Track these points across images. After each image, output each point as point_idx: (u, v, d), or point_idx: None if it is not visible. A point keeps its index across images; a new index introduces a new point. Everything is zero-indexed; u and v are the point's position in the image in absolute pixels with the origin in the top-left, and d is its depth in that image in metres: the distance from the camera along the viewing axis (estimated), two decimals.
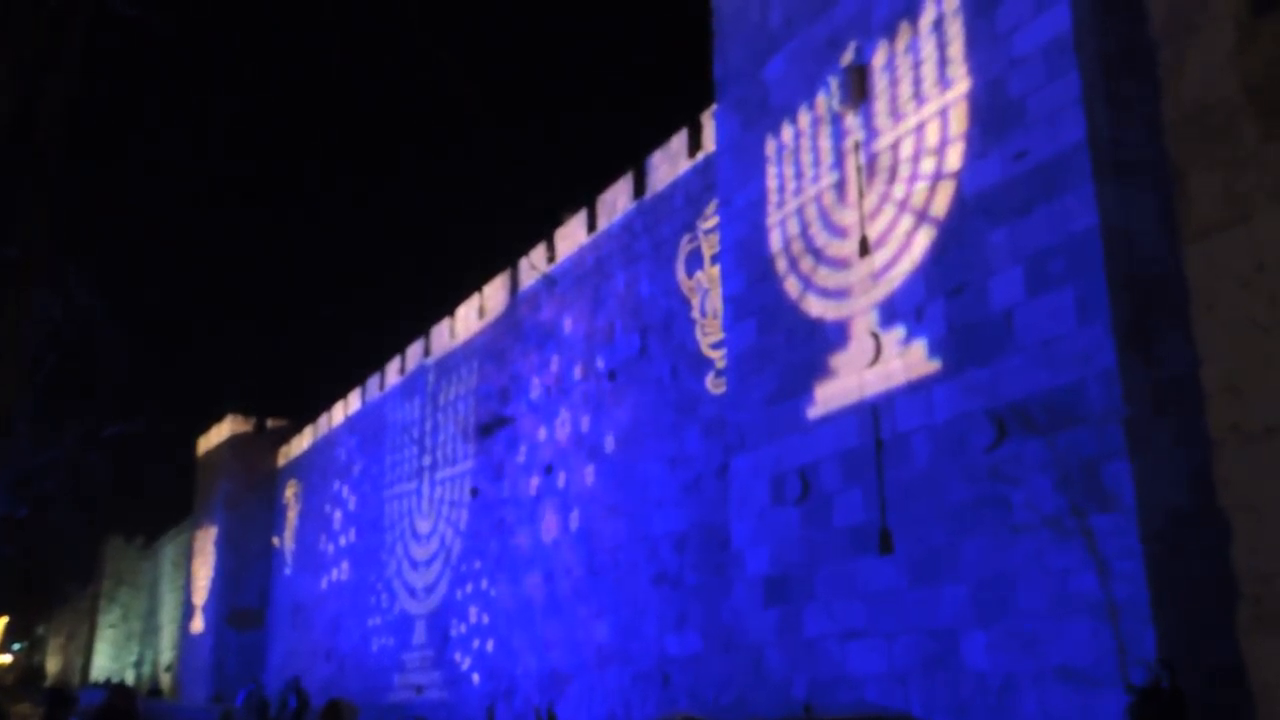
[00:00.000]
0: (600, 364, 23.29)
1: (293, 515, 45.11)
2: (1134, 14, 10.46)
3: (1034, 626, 10.16)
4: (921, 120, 12.36)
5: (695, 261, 20.43)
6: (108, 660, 72.46)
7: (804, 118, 14.36)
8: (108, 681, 44.45)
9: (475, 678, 26.82)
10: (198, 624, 49.90)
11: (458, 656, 28.04)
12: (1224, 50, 8.60)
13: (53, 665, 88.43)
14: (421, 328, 33.83)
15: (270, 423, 49.90)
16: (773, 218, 14.68)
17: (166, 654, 59.14)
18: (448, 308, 32.20)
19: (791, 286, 14.07)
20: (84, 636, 78.48)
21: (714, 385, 19.02)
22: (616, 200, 23.78)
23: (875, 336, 12.51)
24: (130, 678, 64.72)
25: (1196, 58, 9.02)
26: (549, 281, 26.02)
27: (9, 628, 78.72)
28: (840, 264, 13.27)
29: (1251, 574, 7.92)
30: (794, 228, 14.20)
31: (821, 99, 14.03)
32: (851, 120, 13.45)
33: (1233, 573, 8.62)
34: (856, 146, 13.28)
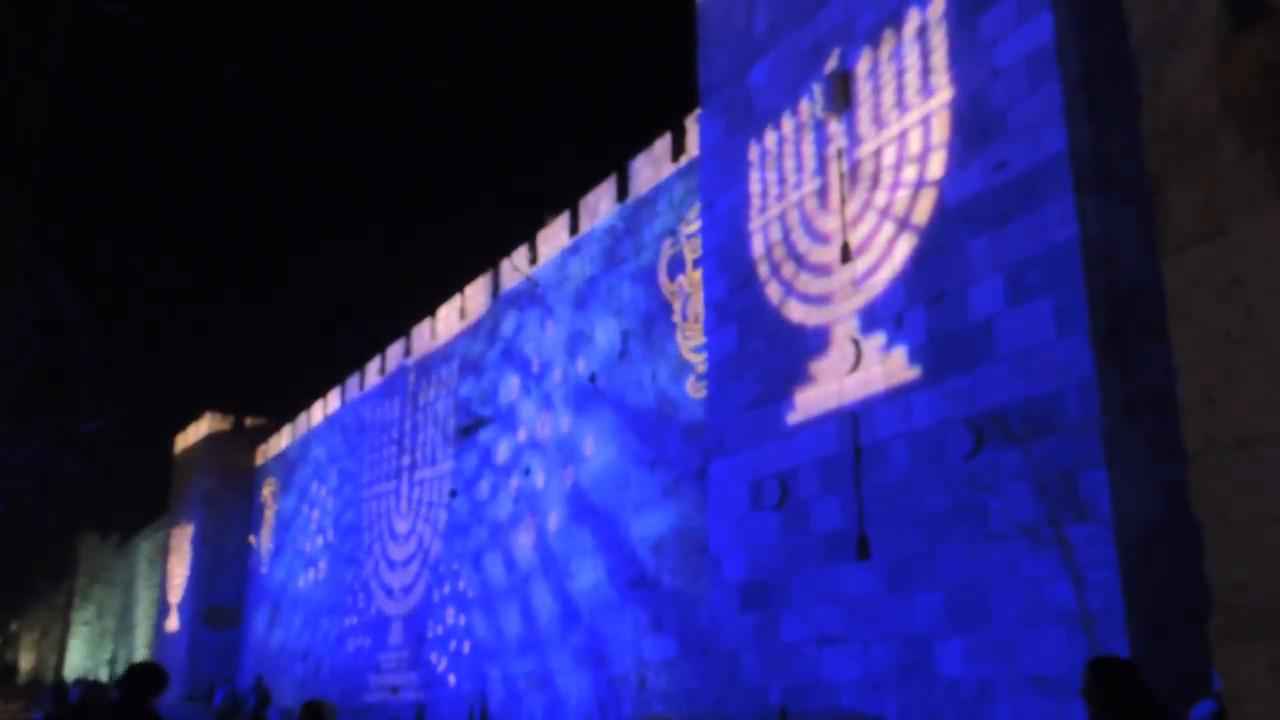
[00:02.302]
0: (581, 366, 23.28)
1: (270, 514, 44.89)
2: (1115, 26, 10.53)
3: (1009, 635, 10.20)
4: (904, 128, 12.40)
5: (677, 265, 20.45)
6: (81, 658, 71.90)
7: (788, 124, 14.39)
8: (79, 680, 44.10)
9: (451, 679, 26.73)
10: (173, 622, 49.58)
11: (434, 657, 27.95)
12: (1204, 64, 8.65)
13: (25, 662, 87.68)
14: (402, 328, 33.77)
15: (248, 421, 49.65)
16: (755, 223, 14.70)
17: (141, 652, 58.71)
18: (429, 308, 32.14)
19: (773, 292, 14.10)
20: (57, 634, 77.85)
21: (694, 389, 19.03)
22: (599, 203, 23.78)
23: (856, 343, 12.54)
24: (104, 675, 64.23)
25: (1176, 71, 9.08)
26: (531, 283, 25.99)
27: None
28: (822, 270, 13.30)
29: (1225, 585, 7.96)
30: (776, 233, 14.23)
31: (805, 105, 14.07)
32: (835, 127, 13.49)
33: (1206, 584, 8.69)
34: (839, 153, 13.32)
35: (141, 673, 6.80)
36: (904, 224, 12.18)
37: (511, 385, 26.35)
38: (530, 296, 26.13)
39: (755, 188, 14.84)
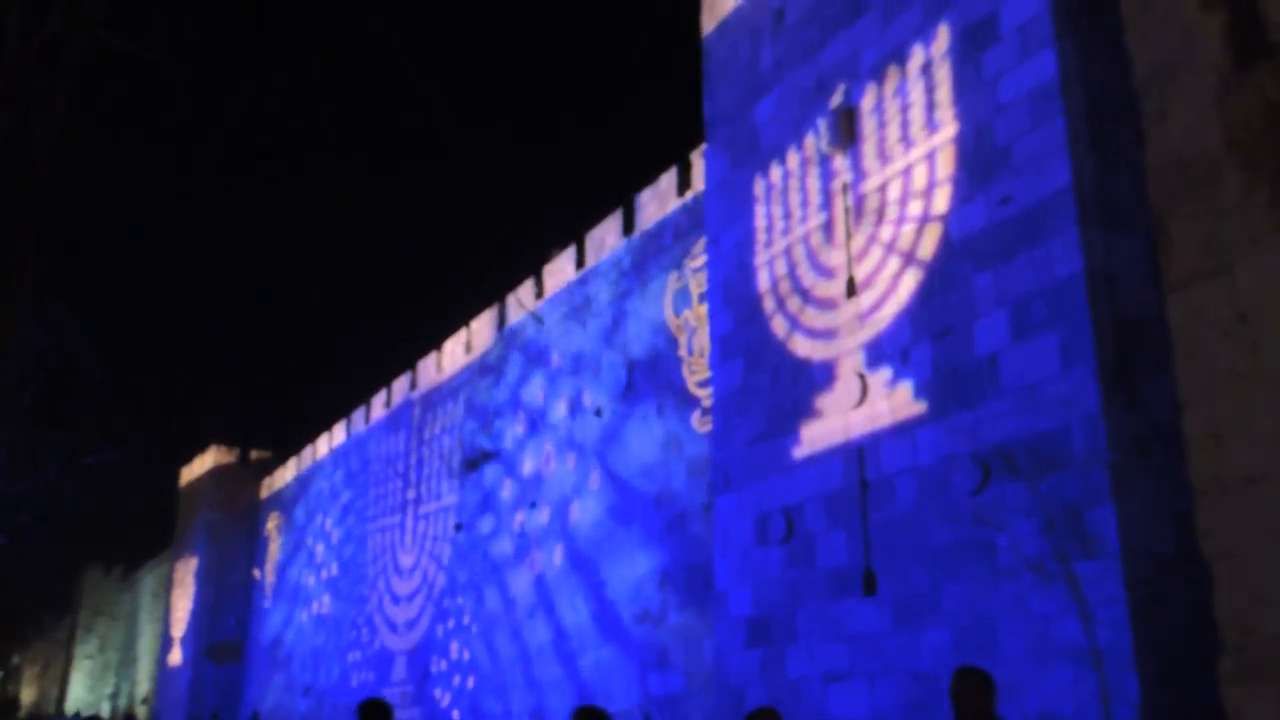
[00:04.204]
0: (586, 400, 23.27)
1: (274, 547, 44.77)
2: (1119, 63, 10.57)
3: (1016, 672, 10.11)
4: (909, 163, 12.44)
5: (683, 300, 20.48)
6: (84, 691, 71.57)
7: (793, 159, 14.45)
8: (77, 714, 43.86)
9: (455, 715, 26.55)
10: (176, 656, 49.35)
11: (438, 693, 27.78)
12: (1206, 101, 8.67)
13: (28, 696, 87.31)
14: (408, 362, 33.81)
15: (254, 454, 49.64)
16: (760, 257, 14.73)
17: (143, 686, 58.44)
18: (434, 342, 32.19)
19: (779, 326, 14.10)
20: (60, 667, 77.55)
21: (700, 424, 19.01)
22: (605, 237, 23.86)
23: (862, 378, 12.53)
24: (105, 710, 63.88)
25: (1179, 107, 9.10)
26: (536, 317, 26.03)
27: None
28: (827, 305, 13.30)
29: (1234, 624, 7.89)
30: (781, 268, 14.25)
31: (810, 140, 14.13)
32: (840, 162, 13.54)
33: (1215, 622, 8.60)
34: (844, 188, 13.36)
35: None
36: (909, 259, 12.19)
37: (517, 419, 26.34)
38: (536, 330, 26.17)
39: (760, 222, 14.88)
